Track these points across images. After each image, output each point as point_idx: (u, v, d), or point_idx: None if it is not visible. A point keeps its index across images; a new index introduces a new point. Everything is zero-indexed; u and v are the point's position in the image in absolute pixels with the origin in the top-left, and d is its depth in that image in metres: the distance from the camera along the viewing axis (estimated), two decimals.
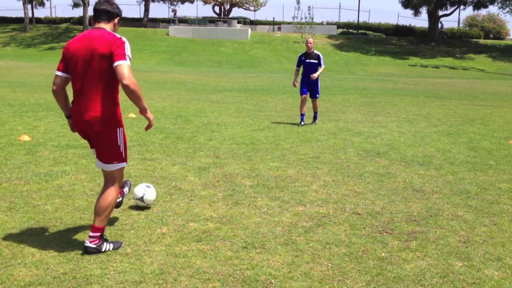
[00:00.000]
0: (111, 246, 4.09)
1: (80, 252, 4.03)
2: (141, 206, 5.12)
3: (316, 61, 11.14)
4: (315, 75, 11.03)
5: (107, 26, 4.01)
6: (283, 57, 43.70)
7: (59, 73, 4.00)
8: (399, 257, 4.15)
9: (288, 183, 6.26)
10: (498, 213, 5.33)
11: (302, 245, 4.33)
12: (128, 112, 11.58)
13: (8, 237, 4.30)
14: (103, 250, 4.02)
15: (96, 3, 4.09)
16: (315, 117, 11.46)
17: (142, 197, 5.05)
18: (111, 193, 4.07)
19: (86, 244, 3.99)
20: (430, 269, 3.93)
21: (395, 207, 5.45)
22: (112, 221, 4.73)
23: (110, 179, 4.10)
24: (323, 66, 11.24)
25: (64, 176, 6.24)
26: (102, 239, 4.06)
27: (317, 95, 11.33)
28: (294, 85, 11.59)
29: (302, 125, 11.08)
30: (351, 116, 12.76)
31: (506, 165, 7.56)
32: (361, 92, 20.23)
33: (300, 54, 11.47)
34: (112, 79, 3.88)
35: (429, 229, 4.79)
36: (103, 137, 3.97)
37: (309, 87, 11.21)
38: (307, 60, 11.19)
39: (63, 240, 4.25)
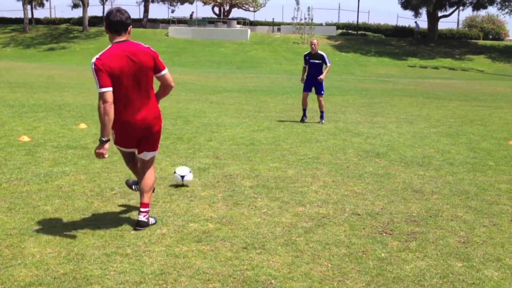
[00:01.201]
0: (154, 220, 4.70)
1: (81, 252, 4.03)
2: (178, 184, 5.96)
3: (320, 61, 11.57)
4: (322, 76, 11.51)
5: (128, 37, 4.40)
6: (282, 58, 43.73)
7: (110, 89, 4.19)
8: (399, 257, 4.15)
9: (288, 184, 6.27)
10: (498, 213, 5.34)
11: (302, 245, 4.34)
12: None
13: (8, 238, 4.30)
14: (150, 223, 4.60)
15: (111, 15, 4.30)
16: (321, 116, 11.62)
17: (184, 176, 5.91)
18: (153, 172, 4.75)
19: (140, 219, 4.53)
20: (429, 270, 3.93)
21: (395, 207, 5.46)
22: (112, 222, 4.74)
23: (151, 163, 4.72)
24: (329, 64, 11.66)
25: (64, 177, 6.24)
26: (148, 214, 4.63)
27: (322, 92, 11.70)
28: (302, 81, 12.10)
29: (305, 119, 11.69)
30: (351, 117, 12.77)
31: (506, 166, 7.57)
32: (361, 93, 20.25)
33: (305, 53, 11.94)
34: (152, 83, 4.48)
35: (428, 230, 4.80)
36: (159, 132, 4.65)
37: (314, 84, 11.66)
38: (311, 60, 11.64)
39: (63, 241, 4.26)
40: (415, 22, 55.11)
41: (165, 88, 4.59)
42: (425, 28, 54.16)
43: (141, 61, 4.29)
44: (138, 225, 4.53)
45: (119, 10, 4.34)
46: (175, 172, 5.99)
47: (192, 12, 58.83)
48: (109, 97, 4.16)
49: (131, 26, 4.40)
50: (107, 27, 4.34)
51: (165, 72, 4.48)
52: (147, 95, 4.43)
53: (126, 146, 4.66)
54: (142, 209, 4.56)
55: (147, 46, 4.42)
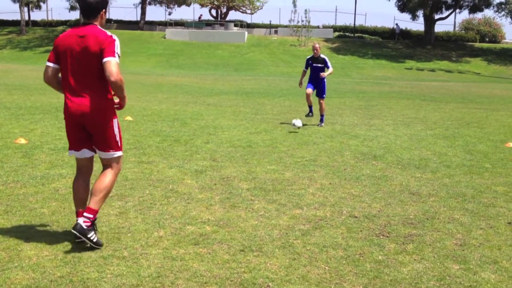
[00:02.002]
0: (96, 239, 4.13)
1: (78, 255, 4.02)
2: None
3: (323, 65, 11.69)
4: (324, 74, 11.60)
5: (95, 21, 4.15)
6: (279, 60, 43.76)
7: (51, 64, 4.15)
8: (396, 260, 4.16)
9: (285, 186, 6.27)
10: (494, 216, 5.34)
11: (299, 248, 4.34)
12: (125, 115, 11.57)
13: (5, 241, 4.28)
14: (88, 236, 4.07)
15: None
16: (321, 120, 11.65)
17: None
18: (108, 177, 4.23)
19: (78, 221, 4.09)
20: (426, 272, 3.94)
21: (392, 210, 5.47)
22: (109, 225, 4.73)
23: (108, 167, 4.28)
24: (331, 68, 11.80)
25: (61, 179, 6.23)
26: (93, 226, 4.19)
27: (324, 95, 11.81)
28: (300, 86, 12.33)
29: (311, 115, 11.88)
30: (348, 119, 12.79)
31: (502, 168, 7.59)
32: (358, 95, 20.27)
33: (307, 57, 12.01)
34: (99, 73, 4.07)
35: (425, 232, 4.80)
36: (102, 128, 4.15)
37: (316, 86, 11.75)
38: (314, 64, 11.75)
39: (60, 244, 4.24)
40: (396, 24, 55.74)
41: (108, 81, 4.03)
42: (421, 30, 54.33)
43: (87, 45, 3.99)
44: (74, 227, 4.07)
45: None
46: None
47: (201, 15, 58.86)
48: (49, 71, 4.14)
49: (104, 10, 4.16)
50: (80, 11, 4.25)
51: (106, 60, 3.96)
52: (90, 83, 4.06)
53: (71, 143, 4.26)
54: (85, 213, 4.13)
55: (109, 34, 4.05)
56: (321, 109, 11.70)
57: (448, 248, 4.44)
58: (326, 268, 3.97)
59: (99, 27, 4.13)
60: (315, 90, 11.77)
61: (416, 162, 7.83)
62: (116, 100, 4.28)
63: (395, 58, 47.13)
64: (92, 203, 4.16)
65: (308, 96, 11.78)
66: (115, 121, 4.22)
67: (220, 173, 6.80)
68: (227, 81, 26.33)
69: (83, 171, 4.37)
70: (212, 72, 35.55)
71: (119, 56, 4.04)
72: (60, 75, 4.20)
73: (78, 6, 4.34)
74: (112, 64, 3.95)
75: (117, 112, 4.33)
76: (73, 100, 4.09)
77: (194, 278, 3.71)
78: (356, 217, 5.20)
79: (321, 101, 11.69)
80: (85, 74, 4.05)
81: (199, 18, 58.07)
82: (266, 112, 13.83)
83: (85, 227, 4.06)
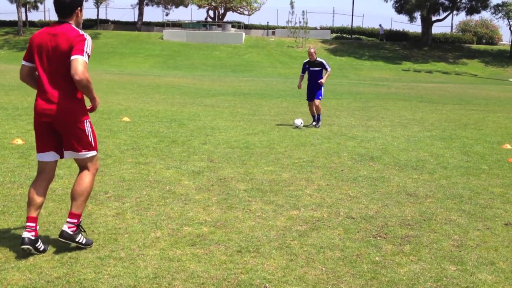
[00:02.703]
0: (85, 240, 4.15)
1: (74, 256, 4.01)
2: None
3: (320, 68, 11.64)
4: (323, 80, 11.56)
5: (70, 20, 4.08)
6: (277, 61, 43.80)
7: (25, 63, 4.13)
8: (393, 261, 4.16)
9: (283, 187, 6.27)
10: (491, 217, 5.35)
11: (296, 249, 4.34)
12: (122, 116, 11.56)
13: (2, 241, 4.27)
14: (76, 239, 4.07)
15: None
16: (318, 120, 11.66)
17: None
18: (86, 179, 4.17)
19: (63, 228, 4.06)
20: (423, 273, 3.94)
21: (389, 211, 5.47)
22: (106, 225, 4.72)
23: (84, 168, 4.22)
24: (329, 69, 11.74)
25: (58, 180, 6.22)
26: (79, 229, 4.14)
27: (320, 97, 11.71)
28: (299, 87, 12.28)
29: (314, 125, 11.67)
30: (345, 121, 12.80)
31: (499, 170, 7.60)
32: (355, 97, 20.30)
33: (304, 62, 11.95)
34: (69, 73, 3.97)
35: (422, 233, 4.81)
36: (72, 128, 4.06)
37: (314, 91, 11.71)
38: (311, 68, 11.71)
39: (57, 244, 4.23)
40: (380, 25, 56.08)
41: (73, 79, 3.90)
42: (418, 32, 54.46)
43: (58, 44, 3.94)
44: (61, 235, 4.05)
45: None
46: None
47: (207, 17, 58.60)
48: (24, 69, 4.14)
49: (79, 8, 4.11)
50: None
51: (73, 58, 3.87)
52: (59, 83, 3.99)
53: (38, 145, 4.16)
54: (68, 219, 4.11)
55: (81, 33, 3.97)
56: (316, 109, 11.65)
57: (445, 249, 4.44)
58: (323, 269, 3.97)
59: (73, 25, 4.07)
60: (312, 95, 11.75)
61: (413, 164, 7.84)
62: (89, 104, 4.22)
63: (392, 59, 47.22)
64: (74, 208, 4.11)
65: (310, 106, 11.80)
66: (86, 122, 4.13)
67: (217, 174, 6.79)
68: (225, 82, 26.33)
69: (44, 175, 4.20)
70: (209, 73, 35.56)
71: (88, 56, 3.96)
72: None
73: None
74: (78, 62, 3.86)
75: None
76: (42, 99, 4.03)
77: (191, 279, 3.71)
78: (353, 218, 5.20)
79: (317, 103, 11.58)
80: (55, 73, 3.99)
81: (206, 19, 57.93)
82: (263, 113, 13.83)
83: (71, 233, 4.05)
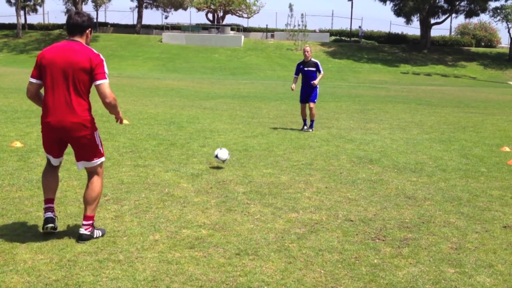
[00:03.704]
0: (100, 232, 4.51)
1: (73, 258, 4.01)
2: (218, 163, 7.02)
3: (314, 69, 11.42)
4: (316, 82, 11.33)
5: (81, 39, 4.33)
6: (276, 64, 43.84)
7: (34, 80, 4.31)
8: (391, 263, 4.16)
9: (281, 190, 6.27)
10: (490, 220, 5.36)
11: (295, 251, 4.34)
12: None
13: (0, 244, 4.27)
14: (95, 236, 4.43)
15: (68, 17, 4.37)
16: (311, 125, 11.46)
17: (216, 155, 6.92)
18: (98, 184, 4.50)
19: (81, 232, 4.36)
20: (422, 276, 3.94)
21: (388, 213, 5.47)
22: (104, 228, 4.71)
23: (94, 173, 4.51)
24: (322, 72, 11.55)
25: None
26: (93, 226, 4.47)
27: (315, 100, 11.47)
28: (292, 89, 12.00)
29: (305, 130, 11.40)
30: (344, 123, 12.81)
31: (498, 172, 7.61)
32: (354, 99, 20.32)
33: (298, 62, 11.73)
34: (88, 89, 4.27)
35: (421, 236, 4.81)
36: (86, 140, 4.33)
37: (308, 93, 11.45)
38: (305, 68, 11.44)
39: (55, 247, 4.23)
40: (359, 26, 56.24)
41: (102, 101, 4.26)
42: (417, 35, 54.55)
43: (74, 59, 4.13)
44: (80, 238, 4.36)
45: (78, 13, 4.36)
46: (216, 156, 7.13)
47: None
48: (33, 87, 4.30)
49: (90, 29, 4.36)
50: (65, 28, 4.42)
51: (99, 83, 4.18)
52: (73, 97, 4.16)
53: (45, 148, 4.47)
54: (84, 222, 4.41)
55: (97, 53, 4.25)
56: (311, 115, 11.37)
57: (443, 251, 4.44)
58: (322, 271, 3.97)
59: (84, 44, 4.30)
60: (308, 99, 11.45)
61: (412, 166, 7.85)
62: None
63: (391, 62, 47.28)
64: (89, 211, 4.43)
65: (302, 109, 11.55)
66: (96, 133, 4.41)
67: (216, 177, 6.79)
68: (224, 85, 26.35)
69: (55, 167, 4.57)
70: (208, 76, 35.58)
71: (108, 76, 4.25)
72: (42, 90, 4.32)
73: (74, 8, 4.43)
74: (105, 86, 4.18)
75: (117, 115, 4.48)
76: (54, 115, 4.20)
77: (190, 282, 3.71)
78: (352, 220, 5.20)
79: (312, 106, 11.32)
80: (69, 89, 4.16)
81: (220, 22, 57.95)
82: (262, 116, 13.84)
83: (89, 233, 4.39)
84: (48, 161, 4.56)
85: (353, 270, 4.01)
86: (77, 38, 4.29)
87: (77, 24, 4.28)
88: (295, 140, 9.99)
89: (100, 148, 4.48)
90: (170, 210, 5.34)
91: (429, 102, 20.46)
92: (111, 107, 4.30)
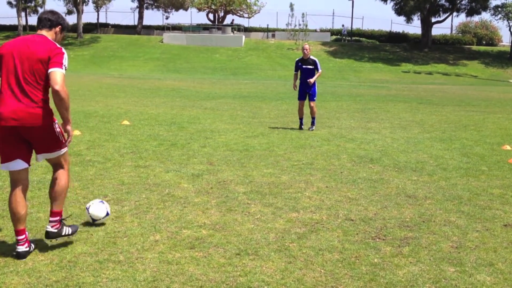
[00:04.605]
0: (70, 230, 4.29)
1: (73, 259, 4.02)
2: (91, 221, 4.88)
3: (313, 67, 11.42)
4: (312, 80, 11.32)
5: (48, 34, 4.21)
6: (277, 64, 43.83)
7: None
8: (391, 263, 4.16)
9: (282, 190, 6.27)
10: (490, 218, 5.35)
11: (295, 251, 4.34)
12: (121, 120, 11.57)
13: (0, 245, 4.28)
14: (63, 234, 4.23)
15: (41, 13, 4.35)
16: (312, 123, 11.53)
17: (88, 208, 4.86)
18: (63, 177, 4.30)
19: (47, 229, 4.16)
20: (422, 275, 3.94)
21: (388, 213, 5.47)
22: (105, 229, 4.72)
23: (58, 166, 4.32)
24: (320, 71, 11.52)
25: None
26: (62, 223, 4.26)
27: (314, 98, 11.54)
28: (294, 88, 11.98)
29: (302, 129, 11.45)
30: (345, 123, 12.80)
31: (499, 171, 7.60)
32: (355, 99, 20.31)
33: (297, 60, 11.76)
34: (45, 81, 4.04)
35: (421, 235, 4.81)
36: (43, 131, 4.08)
37: (306, 91, 11.50)
38: (303, 66, 11.47)
39: (56, 248, 4.24)
40: (343, 24, 56.41)
41: (51, 90, 3.98)
42: (418, 34, 54.51)
43: (33, 49, 4.00)
44: (47, 236, 4.16)
45: (52, 11, 4.32)
46: (87, 209, 4.88)
47: (233, 20, 58.60)
48: None
49: (60, 27, 4.26)
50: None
51: (52, 70, 3.95)
52: (29, 87, 3.97)
53: (5, 155, 4.10)
54: (50, 219, 4.20)
55: (59, 46, 4.09)
56: (311, 112, 11.46)
57: (444, 250, 4.44)
58: (322, 271, 3.97)
59: (49, 38, 4.16)
60: (306, 97, 11.52)
61: (413, 165, 7.84)
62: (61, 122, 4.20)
63: (392, 61, 47.24)
64: (56, 207, 4.23)
65: (300, 107, 11.58)
66: (55, 124, 4.17)
67: (217, 177, 6.80)
68: (225, 85, 26.35)
69: (19, 185, 4.16)
70: (209, 76, 35.59)
71: (65, 69, 4.05)
72: None
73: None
74: (58, 74, 3.96)
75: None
76: (10, 104, 3.97)
77: (190, 282, 3.71)
78: (352, 220, 5.20)
79: (312, 104, 11.41)
80: (26, 80, 3.99)
81: (232, 22, 57.93)
82: (263, 115, 13.84)
83: (56, 231, 4.18)
84: (12, 180, 4.16)
85: (353, 270, 4.01)
86: (44, 32, 4.18)
87: (47, 18, 4.21)
88: (296, 139, 9.99)
89: (61, 138, 4.22)
90: (170, 210, 5.35)
91: (430, 101, 20.44)
92: (59, 99, 3.95)
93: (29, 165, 4.22)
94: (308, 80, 11.30)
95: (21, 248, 4.05)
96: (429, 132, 11.45)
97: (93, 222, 4.82)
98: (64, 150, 4.29)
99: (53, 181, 4.28)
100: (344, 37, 55.04)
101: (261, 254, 4.25)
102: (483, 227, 5.08)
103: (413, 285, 3.77)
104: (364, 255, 4.29)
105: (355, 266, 4.07)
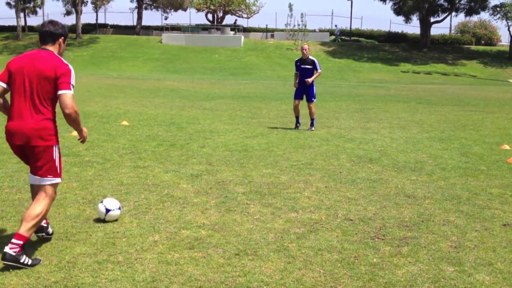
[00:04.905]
0: (30, 262, 3.91)
1: (72, 260, 4.02)
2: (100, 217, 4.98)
3: (311, 67, 11.42)
4: (310, 79, 11.32)
5: (53, 48, 4.19)
6: (276, 64, 43.82)
7: (2, 84, 4.12)
8: (390, 262, 4.16)
9: (281, 190, 6.27)
10: (489, 218, 5.36)
11: (294, 251, 4.34)
12: (120, 120, 11.57)
13: (0, 246, 4.28)
14: (21, 261, 3.85)
15: (41, 25, 4.29)
16: (311, 124, 11.54)
17: (109, 210, 4.89)
18: (42, 204, 4.06)
19: (5, 250, 3.85)
20: (421, 274, 3.94)
21: (387, 213, 5.47)
22: (104, 229, 4.72)
23: (42, 193, 4.11)
24: (319, 71, 11.52)
25: None
26: (24, 250, 3.91)
27: (313, 99, 11.53)
28: (295, 86, 11.86)
29: (298, 128, 11.49)
30: (344, 123, 12.81)
31: (497, 171, 7.60)
32: (354, 99, 20.32)
33: (296, 59, 11.77)
34: (52, 99, 4.07)
35: (420, 235, 4.81)
36: (42, 152, 4.05)
37: (304, 91, 11.51)
38: (302, 66, 11.49)
39: (55, 249, 4.24)
40: (335, 25, 56.40)
41: (62, 112, 4.03)
42: (417, 33, 54.53)
43: (40, 67, 4.02)
44: (3, 258, 3.83)
45: (51, 21, 4.27)
46: (101, 202, 4.98)
47: (236, 20, 58.53)
48: None
49: (63, 38, 4.23)
50: (38, 37, 4.30)
51: (61, 93, 3.99)
52: (35, 105, 4.01)
53: (15, 152, 4.26)
54: (13, 240, 3.89)
55: (66, 62, 4.10)
56: (310, 113, 11.50)
57: (443, 250, 4.44)
58: (321, 271, 3.97)
59: (56, 54, 4.16)
60: (303, 97, 11.53)
61: (412, 165, 7.85)
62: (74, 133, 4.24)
63: (391, 61, 47.25)
64: (23, 230, 3.93)
65: (295, 107, 11.56)
66: (55, 148, 4.13)
67: (216, 177, 6.80)
68: (224, 85, 26.35)
69: (34, 196, 4.24)
70: (208, 77, 35.59)
71: (73, 87, 4.06)
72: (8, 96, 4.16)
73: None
74: (67, 96, 3.98)
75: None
76: (16, 121, 4.05)
77: (189, 283, 3.71)
78: (351, 220, 5.20)
79: (310, 105, 11.46)
80: (33, 97, 4.01)
81: (235, 22, 57.87)
82: (262, 116, 13.84)
83: (14, 254, 3.83)
84: (32, 193, 4.26)
85: (352, 270, 4.01)
86: (49, 47, 4.18)
87: (50, 32, 4.17)
88: (295, 140, 9.99)
89: (57, 166, 4.14)
90: (169, 211, 5.34)
91: (429, 100, 20.45)
92: (71, 120, 4.06)
93: None
94: (306, 80, 11.30)
95: (7, 249, 3.86)
96: (428, 132, 11.46)
97: (105, 215, 4.87)
98: (56, 180, 4.16)
99: (33, 204, 4.10)
100: (337, 38, 55.03)
101: (260, 254, 4.25)
102: (482, 226, 5.08)
103: (412, 285, 3.77)
104: (363, 255, 4.29)
105: (354, 266, 4.07)
